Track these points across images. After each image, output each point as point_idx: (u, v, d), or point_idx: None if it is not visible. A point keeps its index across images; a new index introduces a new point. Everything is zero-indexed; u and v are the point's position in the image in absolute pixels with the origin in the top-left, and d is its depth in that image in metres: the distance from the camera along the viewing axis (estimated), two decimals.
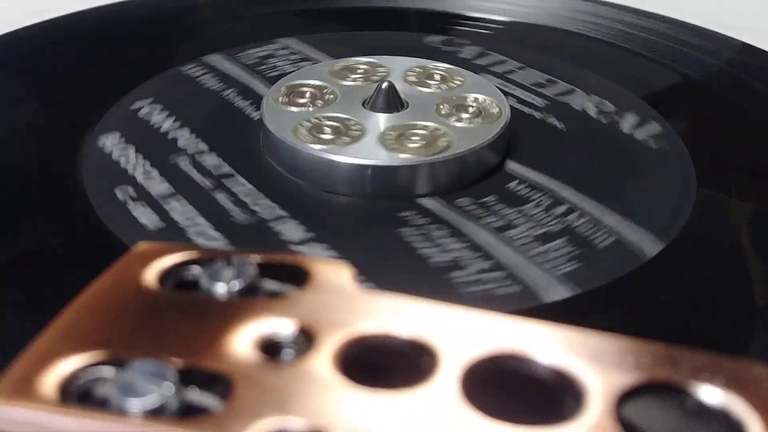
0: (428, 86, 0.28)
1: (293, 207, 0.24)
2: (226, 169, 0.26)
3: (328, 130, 0.25)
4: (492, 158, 0.26)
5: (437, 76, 0.29)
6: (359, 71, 0.29)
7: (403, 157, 0.24)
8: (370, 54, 0.30)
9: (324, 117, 0.26)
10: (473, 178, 0.25)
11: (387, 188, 0.24)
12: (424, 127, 0.26)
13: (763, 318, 0.21)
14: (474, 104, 0.27)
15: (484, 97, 0.27)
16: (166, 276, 0.16)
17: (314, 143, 0.25)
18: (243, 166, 0.26)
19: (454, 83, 0.28)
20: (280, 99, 0.27)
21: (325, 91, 0.27)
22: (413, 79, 0.28)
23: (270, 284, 0.16)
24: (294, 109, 0.27)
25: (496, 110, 0.27)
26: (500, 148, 0.26)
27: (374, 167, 0.24)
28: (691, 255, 0.23)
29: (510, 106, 0.27)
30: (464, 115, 0.26)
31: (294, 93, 0.27)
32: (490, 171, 0.26)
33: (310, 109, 0.27)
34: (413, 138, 0.25)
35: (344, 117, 0.26)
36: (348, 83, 0.28)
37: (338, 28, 0.36)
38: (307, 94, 0.27)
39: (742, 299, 0.22)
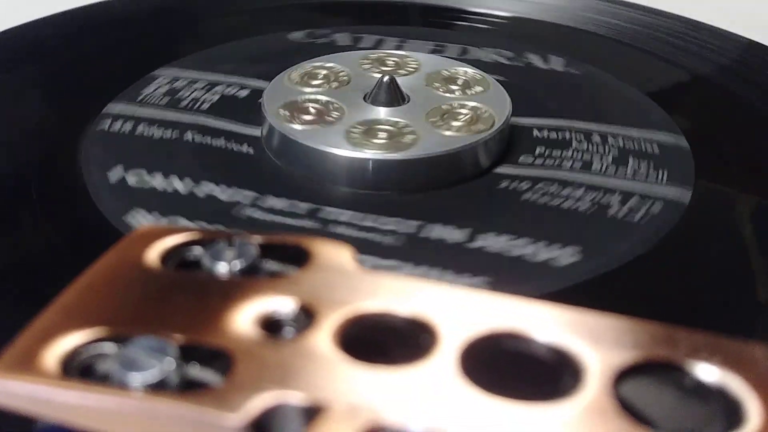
0: (390, 74, 0.28)
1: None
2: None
3: (382, 134, 0.25)
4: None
5: (391, 63, 0.29)
6: (319, 76, 0.28)
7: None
8: None
9: (368, 121, 0.26)
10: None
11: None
12: (464, 106, 0.26)
13: (763, 311, 0.21)
14: (458, 77, 0.28)
15: (464, 69, 0.28)
16: (168, 256, 0.16)
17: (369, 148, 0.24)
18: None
19: (411, 67, 0.29)
20: (288, 117, 0.26)
21: (322, 102, 0.27)
22: (371, 70, 0.28)
23: (271, 264, 0.16)
24: (302, 126, 0.26)
25: (480, 79, 0.28)
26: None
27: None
28: (691, 249, 0.23)
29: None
30: (454, 87, 0.27)
31: (297, 110, 0.26)
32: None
33: (326, 121, 0.26)
34: (460, 117, 0.26)
35: (393, 119, 0.26)
36: (324, 89, 0.27)
37: (333, 23, 0.36)
38: (311, 109, 0.26)
39: (743, 293, 0.22)
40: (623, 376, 0.14)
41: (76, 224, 0.23)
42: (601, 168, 0.26)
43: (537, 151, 0.26)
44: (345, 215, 0.23)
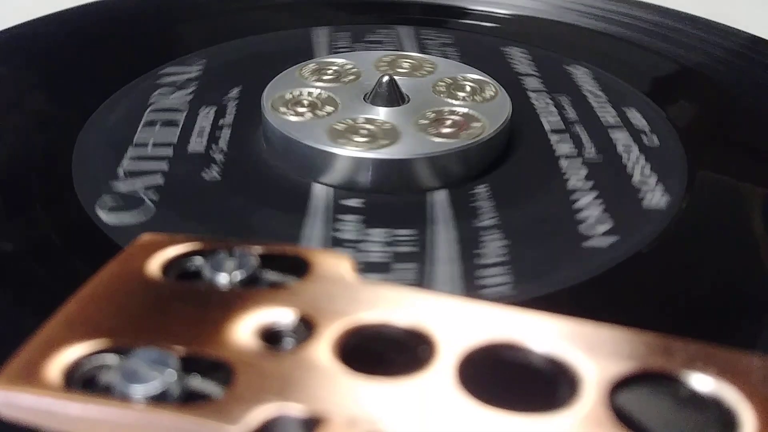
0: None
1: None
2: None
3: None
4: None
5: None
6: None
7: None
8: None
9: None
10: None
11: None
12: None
13: (760, 307, 0.22)
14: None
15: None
16: (169, 266, 0.16)
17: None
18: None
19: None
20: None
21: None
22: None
23: (271, 275, 0.16)
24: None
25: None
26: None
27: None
28: (687, 245, 0.23)
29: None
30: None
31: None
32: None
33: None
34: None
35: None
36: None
37: (337, 21, 0.36)
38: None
39: (739, 290, 0.22)
40: (619, 386, 0.14)
41: (73, 224, 0.23)
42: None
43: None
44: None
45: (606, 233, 0.23)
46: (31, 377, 0.14)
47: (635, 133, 0.27)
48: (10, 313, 0.20)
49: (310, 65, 0.29)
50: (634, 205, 0.24)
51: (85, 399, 0.14)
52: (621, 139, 0.27)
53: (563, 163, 0.26)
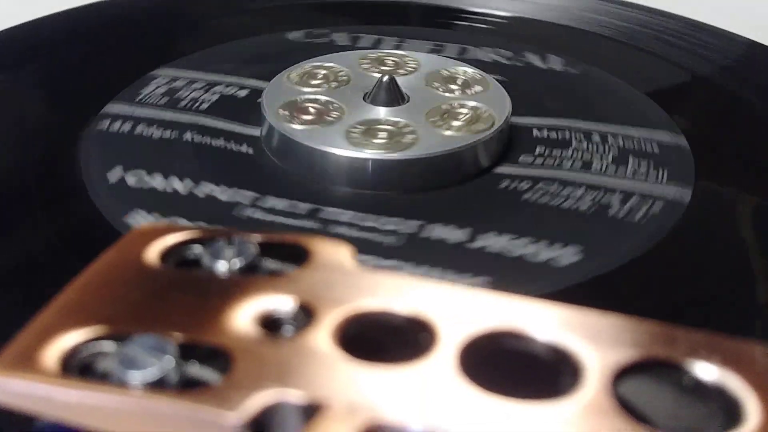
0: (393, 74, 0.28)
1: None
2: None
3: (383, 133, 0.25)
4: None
5: (390, 62, 0.29)
6: (319, 77, 0.28)
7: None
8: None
9: (368, 121, 0.26)
10: None
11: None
12: (464, 106, 0.26)
13: (762, 311, 0.21)
14: (461, 77, 0.28)
15: (465, 69, 0.28)
16: (168, 254, 0.16)
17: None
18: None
19: (409, 68, 0.29)
20: (287, 117, 0.26)
21: (327, 103, 0.27)
22: (371, 69, 0.28)
23: (270, 263, 0.16)
24: (302, 126, 0.26)
25: (480, 79, 0.28)
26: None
27: None
28: (691, 249, 0.23)
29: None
30: (469, 91, 0.27)
31: (297, 110, 0.26)
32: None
33: (326, 121, 0.26)
34: (460, 116, 0.26)
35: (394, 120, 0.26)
36: (312, 89, 0.27)
37: (333, 23, 0.36)
38: (311, 109, 0.26)
39: (743, 293, 0.22)
40: (622, 374, 0.14)
41: (75, 224, 0.23)
42: (601, 168, 0.26)
43: (537, 151, 0.26)
44: (346, 215, 0.23)
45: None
46: (27, 364, 0.14)
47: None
48: (6, 302, 0.20)
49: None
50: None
51: (83, 385, 0.13)
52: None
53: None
